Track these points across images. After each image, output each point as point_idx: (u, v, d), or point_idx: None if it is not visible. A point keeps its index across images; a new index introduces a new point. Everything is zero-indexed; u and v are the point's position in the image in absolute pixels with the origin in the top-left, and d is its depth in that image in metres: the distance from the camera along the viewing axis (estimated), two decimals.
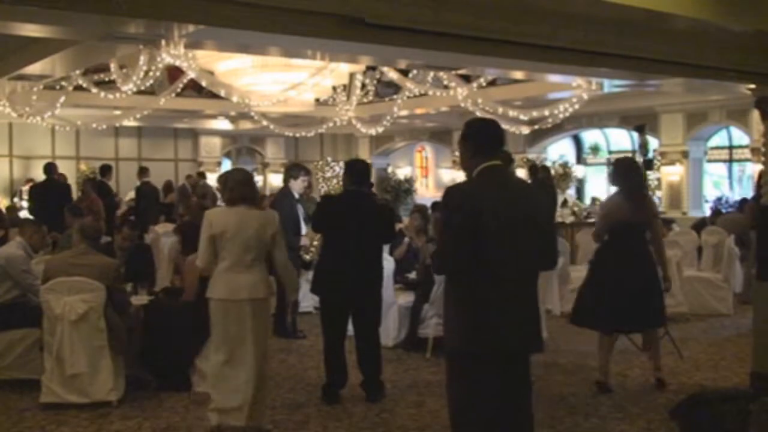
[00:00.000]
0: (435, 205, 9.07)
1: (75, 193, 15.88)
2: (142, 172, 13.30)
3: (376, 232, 5.90)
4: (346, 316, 5.88)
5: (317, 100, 13.53)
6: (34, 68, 7.53)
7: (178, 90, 12.45)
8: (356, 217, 5.78)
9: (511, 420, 3.63)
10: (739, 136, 16.07)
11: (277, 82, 11.28)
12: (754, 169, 14.05)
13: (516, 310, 3.55)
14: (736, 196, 15.38)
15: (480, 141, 3.66)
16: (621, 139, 19.66)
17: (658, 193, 15.16)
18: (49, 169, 11.91)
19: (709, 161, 16.46)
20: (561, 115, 11.30)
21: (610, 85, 10.32)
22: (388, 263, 7.53)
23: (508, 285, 3.51)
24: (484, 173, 3.57)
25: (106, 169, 13.23)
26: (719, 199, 15.11)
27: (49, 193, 11.39)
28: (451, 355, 3.71)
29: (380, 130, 14.61)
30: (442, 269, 3.73)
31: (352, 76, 12.94)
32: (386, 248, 8.18)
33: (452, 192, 3.64)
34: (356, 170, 5.99)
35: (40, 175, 13.48)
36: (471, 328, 3.51)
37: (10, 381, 6.01)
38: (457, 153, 19.64)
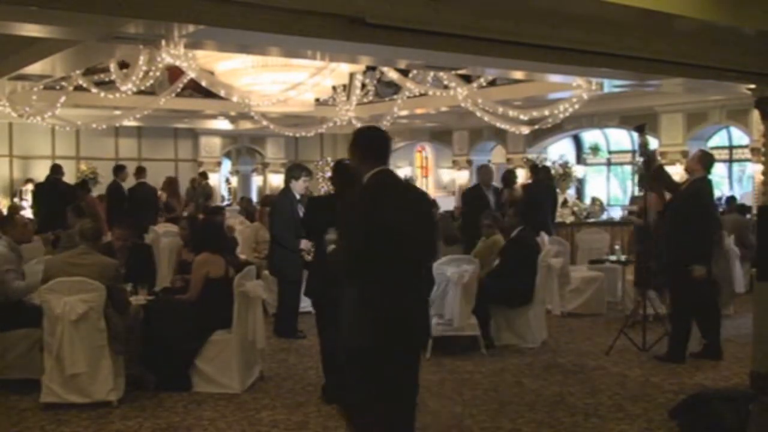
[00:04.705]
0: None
1: None
2: (139, 172, 13.32)
3: None
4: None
5: (317, 100, 13.53)
6: (34, 68, 7.53)
7: (178, 90, 12.45)
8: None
9: (411, 404, 3.92)
10: (739, 136, 16.07)
11: (277, 82, 11.27)
12: (754, 169, 14.06)
13: (415, 303, 3.83)
14: (736, 196, 15.37)
15: (367, 148, 3.85)
16: (621, 139, 19.66)
17: None
18: (56, 170, 11.92)
19: None
20: (561, 115, 11.29)
21: (610, 85, 10.33)
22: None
23: (406, 280, 3.75)
24: (376, 177, 3.78)
25: (119, 169, 13.22)
26: (719, 199, 15.11)
27: (54, 193, 11.39)
28: (355, 355, 3.77)
29: None
30: (347, 271, 3.80)
31: (352, 76, 12.94)
32: None
33: (355, 195, 3.92)
34: (342, 170, 5.93)
35: (40, 175, 13.52)
36: (379, 325, 3.67)
37: (10, 381, 6.00)
38: (457, 153, 19.70)
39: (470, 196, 10.37)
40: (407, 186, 4.34)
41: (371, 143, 3.88)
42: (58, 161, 15.50)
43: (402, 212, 3.72)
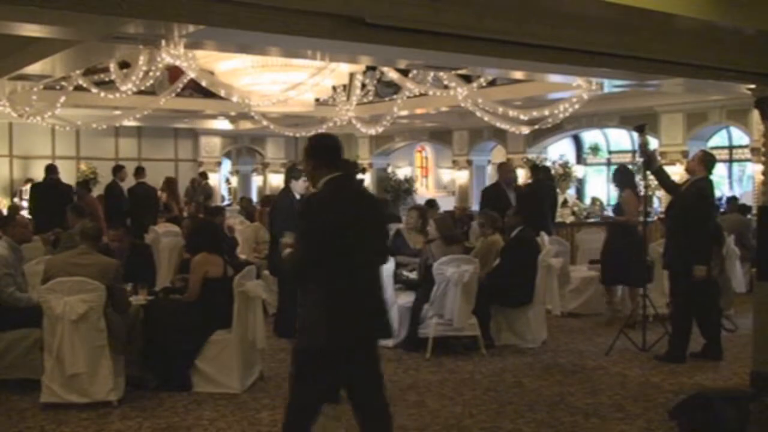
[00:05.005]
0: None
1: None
2: (138, 172, 13.32)
3: None
4: None
5: (317, 100, 13.52)
6: (34, 68, 7.52)
7: (178, 90, 12.44)
8: None
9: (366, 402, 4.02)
10: (739, 136, 16.08)
11: (277, 82, 11.26)
12: (754, 169, 14.06)
13: (369, 304, 3.94)
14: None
15: (321, 155, 3.98)
16: (621, 139, 19.68)
17: (658, 193, 15.16)
18: (51, 169, 11.92)
19: None
20: (561, 115, 11.28)
21: (610, 85, 10.32)
22: (389, 263, 7.53)
23: (360, 282, 3.88)
24: (330, 184, 3.90)
25: (117, 169, 13.23)
26: (719, 199, 15.11)
27: (50, 193, 11.39)
28: (307, 353, 3.89)
29: (380, 130, 14.60)
30: (302, 273, 3.91)
31: (352, 76, 12.93)
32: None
33: (309, 202, 4.06)
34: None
35: (39, 175, 13.48)
36: (334, 325, 3.77)
37: (10, 381, 6.00)
38: (457, 153, 19.70)
39: (489, 196, 9.82)
40: (361, 191, 4.49)
41: (326, 150, 4.00)
42: (58, 161, 15.51)
43: (354, 217, 3.86)
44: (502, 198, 9.50)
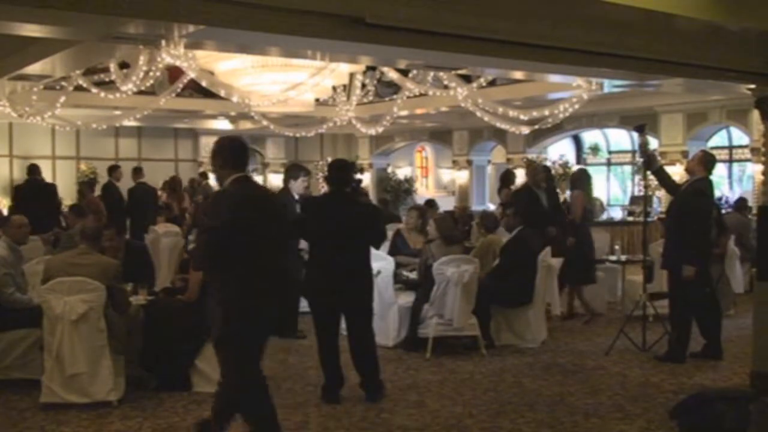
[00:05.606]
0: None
1: (70, 194, 15.94)
2: (137, 172, 13.32)
3: (359, 234, 5.80)
4: (335, 319, 5.84)
5: (317, 100, 13.52)
6: (34, 68, 7.52)
7: (178, 90, 12.44)
8: (336, 219, 5.71)
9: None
10: (739, 136, 16.08)
11: (277, 82, 11.25)
12: (754, 169, 14.06)
13: (267, 296, 4.24)
14: (736, 196, 15.38)
15: (229, 157, 4.32)
16: (621, 139, 19.68)
17: (658, 194, 15.17)
18: (33, 170, 11.92)
19: None
20: (561, 115, 11.28)
21: (610, 85, 10.32)
22: (388, 263, 7.53)
23: (264, 272, 4.21)
24: (235, 182, 4.24)
25: (113, 169, 13.23)
26: (719, 199, 15.11)
27: (33, 193, 11.37)
28: (221, 342, 4.25)
29: (380, 130, 14.60)
30: (203, 268, 4.29)
31: (352, 76, 12.92)
32: (387, 247, 8.21)
33: (217, 198, 4.43)
34: (333, 171, 5.92)
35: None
36: (243, 314, 4.13)
37: (10, 381, 6.00)
38: (457, 153, 19.71)
39: (522, 200, 8.94)
40: (263, 191, 4.88)
41: (233, 152, 4.34)
42: (58, 161, 15.53)
43: (256, 215, 4.19)
44: (535, 203, 8.93)
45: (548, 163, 16.28)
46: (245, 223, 4.10)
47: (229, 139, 4.59)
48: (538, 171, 9.51)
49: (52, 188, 12.06)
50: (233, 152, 4.35)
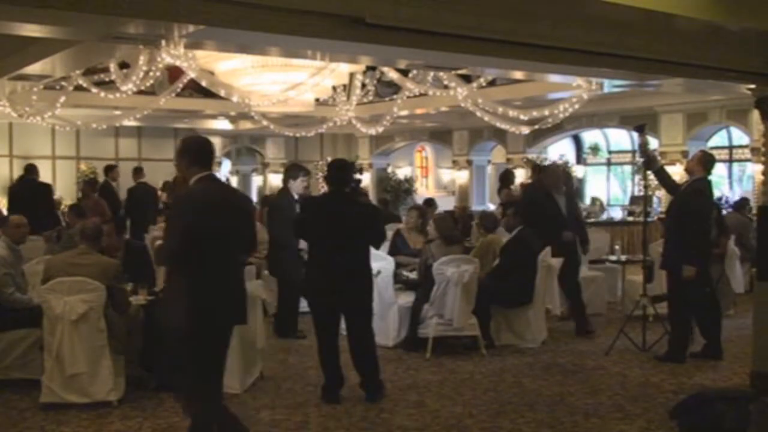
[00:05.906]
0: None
1: (70, 194, 15.93)
2: (137, 172, 13.31)
3: (359, 234, 5.80)
4: (334, 319, 5.84)
5: (317, 100, 13.52)
6: (34, 68, 7.52)
7: (178, 90, 12.44)
8: (335, 219, 5.71)
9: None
10: (739, 136, 16.07)
11: (277, 82, 11.25)
12: (754, 169, 14.05)
13: (233, 290, 4.38)
14: (735, 196, 15.38)
15: (195, 156, 4.37)
16: (621, 139, 19.68)
17: (658, 194, 15.17)
18: (29, 170, 11.92)
19: None
20: (561, 115, 11.28)
21: (610, 85, 10.32)
22: (388, 263, 7.53)
23: (223, 270, 4.30)
24: (201, 181, 4.30)
25: (109, 169, 13.24)
26: (719, 199, 15.10)
27: (28, 193, 11.36)
28: (183, 336, 4.25)
29: (380, 130, 14.60)
30: (172, 262, 4.33)
31: (352, 76, 12.92)
32: (388, 247, 8.21)
33: (181, 197, 4.53)
34: (333, 171, 5.91)
35: (40, 175, 13.45)
36: (202, 308, 4.17)
37: (10, 381, 6.01)
38: (457, 153, 19.70)
39: (535, 207, 8.28)
40: (229, 189, 4.98)
41: (199, 151, 4.39)
42: (58, 161, 15.52)
43: (222, 213, 4.27)
44: (551, 207, 8.22)
45: (548, 164, 16.28)
46: (207, 223, 4.18)
47: (194, 138, 4.75)
48: (555, 175, 8.72)
49: (46, 188, 12.03)
50: (201, 151, 4.40)
